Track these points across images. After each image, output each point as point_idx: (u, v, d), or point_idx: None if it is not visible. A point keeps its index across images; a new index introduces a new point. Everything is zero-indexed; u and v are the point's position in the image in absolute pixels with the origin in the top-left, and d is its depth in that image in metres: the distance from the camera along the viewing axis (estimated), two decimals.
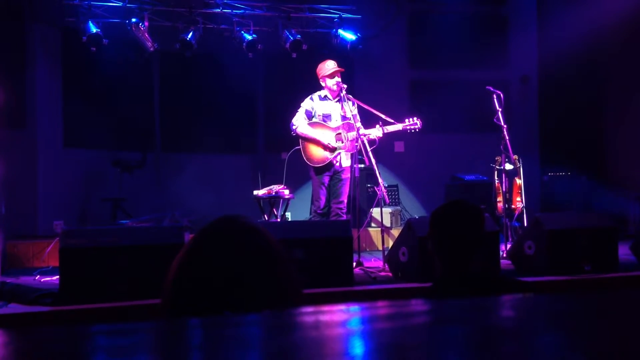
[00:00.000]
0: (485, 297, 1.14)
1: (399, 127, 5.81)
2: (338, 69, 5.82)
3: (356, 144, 5.63)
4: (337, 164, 5.81)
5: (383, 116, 5.73)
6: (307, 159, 5.83)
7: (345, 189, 5.85)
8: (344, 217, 5.77)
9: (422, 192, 8.88)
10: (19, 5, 7.48)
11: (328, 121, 5.88)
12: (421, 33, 9.14)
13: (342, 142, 5.80)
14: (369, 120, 5.85)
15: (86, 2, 7.18)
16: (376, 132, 5.70)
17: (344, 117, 5.84)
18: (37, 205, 7.46)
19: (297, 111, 5.91)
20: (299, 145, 5.90)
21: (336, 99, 5.89)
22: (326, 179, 5.83)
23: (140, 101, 8.49)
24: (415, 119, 5.86)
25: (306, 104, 5.91)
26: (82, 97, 7.83)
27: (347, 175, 5.84)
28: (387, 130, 5.74)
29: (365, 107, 5.79)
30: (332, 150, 5.78)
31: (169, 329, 0.78)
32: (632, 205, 8.03)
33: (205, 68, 8.54)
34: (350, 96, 5.86)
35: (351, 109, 5.78)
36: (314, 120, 5.89)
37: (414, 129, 5.86)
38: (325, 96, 5.91)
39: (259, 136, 9.05)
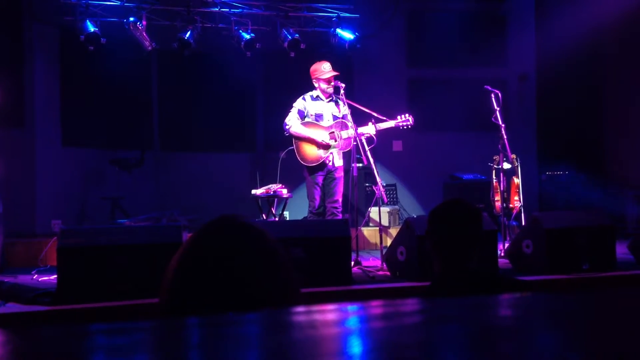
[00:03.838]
0: (483, 296, 1.14)
1: (391, 124, 5.82)
2: (334, 73, 5.83)
3: (354, 142, 5.65)
4: (330, 164, 5.81)
5: (375, 114, 5.74)
6: (301, 158, 5.84)
7: (339, 188, 5.85)
8: (340, 216, 5.77)
9: (421, 191, 8.88)
10: (17, 4, 7.47)
11: (320, 121, 5.89)
12: (419, 32, 9.14)
13: (336, 141, 5.80)
14: (363, 119, 5.85)
15: (84, 1, 7.17)
16: (369, 130, 5.71)
17: (335, 117, 5.86)
18: (35, 204, 7.45)
19: (290, 111, 5.92)
20: (292, 146, 5.91)
21: (328, 99, 5.92)
22: (320, 179, 5.83)
23: (138, 100, 8.49)
24: (407, 115, 5.88)
25: (298, 104, 5.93)
26: (80, 96, 7.82)
27: (340, 174, 5.85)
28: (379, 127, 5.74)
29: (356, 105, 5.79)
30: (327, 148, 5.78)
31: (167, 328, 0.78)
32: (629, 204, 8.04)
33: (204, 67, 8.54)
34: (341, 96, 5.85)
35: (343, 109, 5.81)
36: (306, 120, 5.90)
37: (407, 125, 5.88)
38: (317, 96, 5.93)
39: (258, 135, 9.04)
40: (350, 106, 5.80)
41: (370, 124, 5.73)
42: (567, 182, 8.58)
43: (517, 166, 6.36)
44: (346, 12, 8.10)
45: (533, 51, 9.45)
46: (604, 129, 9.24)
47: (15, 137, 7.21)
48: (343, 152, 5.89)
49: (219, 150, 8.72)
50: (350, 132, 5.69)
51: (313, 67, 5.93)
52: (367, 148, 5.45)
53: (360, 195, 7.25)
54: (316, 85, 5.91)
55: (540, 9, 9.35)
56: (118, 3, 7.41)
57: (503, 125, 5.96)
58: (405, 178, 8.94)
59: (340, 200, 5.86)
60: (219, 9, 7.75)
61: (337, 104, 5.91)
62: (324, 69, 5.84)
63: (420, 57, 9.14)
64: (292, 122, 5.84)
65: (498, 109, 5.98)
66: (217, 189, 8.26)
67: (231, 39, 7.78)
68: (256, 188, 6.36)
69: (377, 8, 8.99)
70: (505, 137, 5.98)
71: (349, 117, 5.76)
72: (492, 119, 6.00)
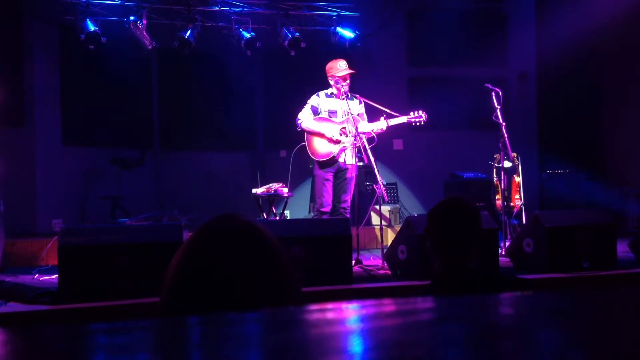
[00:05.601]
0: (484, 295, 1.14)
1: (403, 119, 5.79)
2: (350, 71, 5.81)
3: (355, 142, 5.64)
4: (342, 160, 5.78)
5: (387, 110, 5.72)
6: (311, 153, 5.82)
7: (350, 188, 5.81)
8: (348, 217, 5.74)
9: (421, 190, 8.88)
10: (17, 3, 7.47)
11: (333, 117, 5.88)
12: (420, 30, 9.14)
13: (347, 136, 5.76)
14: (375, 116, 5.86)
15: (84, 0, 7.17)
16: (380, 125, 5.68)
17: (348, 113, 5.85)
18: (35, 203, 7.45)
19: (304, 107, 5.92)
20: (304, 141, 5.90)
21: (342, 97, 5.89)
22: (330, 175, 5.79)
23: (138, 99, 8.48)
24: (420, 111, 5.82)
25: (312, 100, 5.92)
26: (80, 95, 7.82)
27: (352, 174, 5.79)
28: (391, 123, 5.71)
29: (372, 103, 5.79)
30: (337, 143, 5.76)
31: (168, 327, 0.78)
32: (630, 202, 8.05)
33: (204, 66, 8.53)
34: (357, 95, 5.86)
35: (357, 107, 5.80)
36: (319, 115, 5.89)
37: (419, 121, 5.82)
38: (332, 93, 5.92)
39: (258, 134, 9.04)
40: (366, 104, 5.81)
41: (382, 119, 5.71)
42: (567, 180, 8.58)
43: (518, 164, 6.36)
44: (346, 10, 8.09)
45: (533, 50, 9.44)
46: (604, 127, 9.24)
47: (15, 136, 7.22)
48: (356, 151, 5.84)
49: (219, 149, 8.71)
50: (360, 127, 5.64)
51: (329, 65, 5.92)
52: (367, 147, 5.45)
53: (362, 194, 7.25)
54: (331, 82, 5.89)
55: (541, 7, 9.34)
56: (118, 2, 7.40)
57: (504, 123, 5.96)
58: (405, 177, 8.93)
59: (350, 201, 5.85)
60: (219, 8, 7.74)
61: (352, 101, 5.86)
62: (340, 67, 5.83)
63: (420, 55, 9.14)
64: (304, 118, 5.84)
65: (499, 107, 5.98)
66: (218, 188, 8.26)
67: (231, 38, 7.77)
68: (256, 187, 6.36)
69: (377, 6, 8.98)
70: (505, 135, 5.98)
71: (365, 115, 5.76)
72: (493, 117, 6.00)
